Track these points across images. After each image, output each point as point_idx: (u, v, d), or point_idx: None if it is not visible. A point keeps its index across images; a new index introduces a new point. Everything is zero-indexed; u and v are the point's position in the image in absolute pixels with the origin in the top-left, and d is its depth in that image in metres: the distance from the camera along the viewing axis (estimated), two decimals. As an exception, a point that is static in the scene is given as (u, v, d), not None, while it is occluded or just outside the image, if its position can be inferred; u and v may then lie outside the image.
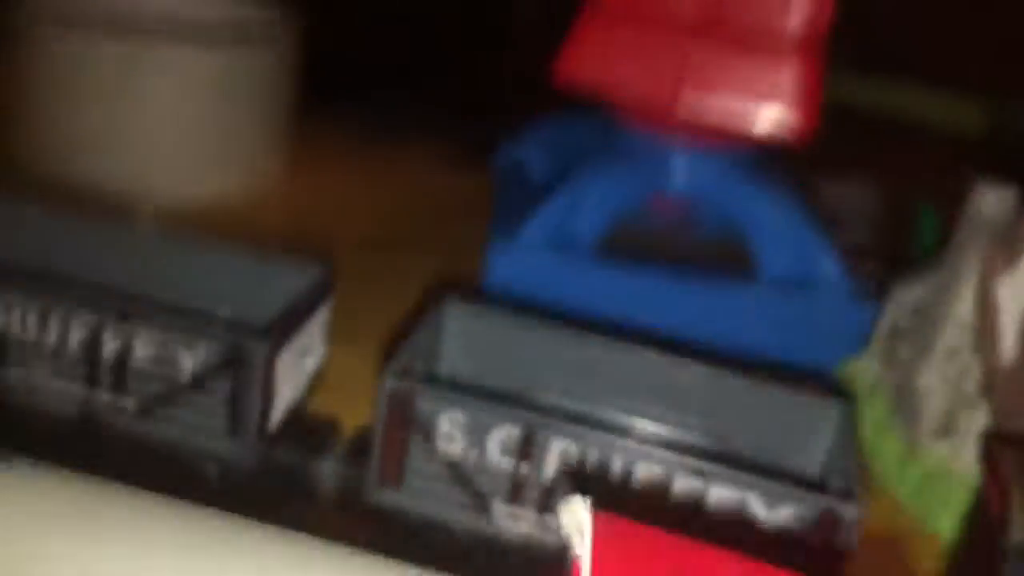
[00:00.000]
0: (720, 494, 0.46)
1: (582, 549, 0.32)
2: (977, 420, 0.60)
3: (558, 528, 0.33)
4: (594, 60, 0.76)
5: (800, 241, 0.77)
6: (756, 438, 0.55)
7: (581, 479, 0.47)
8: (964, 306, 0.60)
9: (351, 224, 0.90)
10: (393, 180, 1.00)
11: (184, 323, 0.52)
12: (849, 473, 0.47)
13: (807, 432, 0.54)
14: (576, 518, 0.33)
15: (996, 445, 0.48)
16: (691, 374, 0.56)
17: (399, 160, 1.04)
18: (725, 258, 0.80)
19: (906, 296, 0.67)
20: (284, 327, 0.53)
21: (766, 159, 0.81)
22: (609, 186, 0.79)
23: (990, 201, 0.60)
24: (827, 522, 0.44)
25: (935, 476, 0.60)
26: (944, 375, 0.61)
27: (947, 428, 0.61)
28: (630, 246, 0.80)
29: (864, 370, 0.69)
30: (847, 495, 0.45)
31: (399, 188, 0.99)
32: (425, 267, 0.83)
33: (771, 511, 0.45)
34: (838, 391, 0.55)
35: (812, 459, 0.53)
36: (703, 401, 0.56)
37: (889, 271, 0.76)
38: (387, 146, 1.05)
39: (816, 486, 0.46)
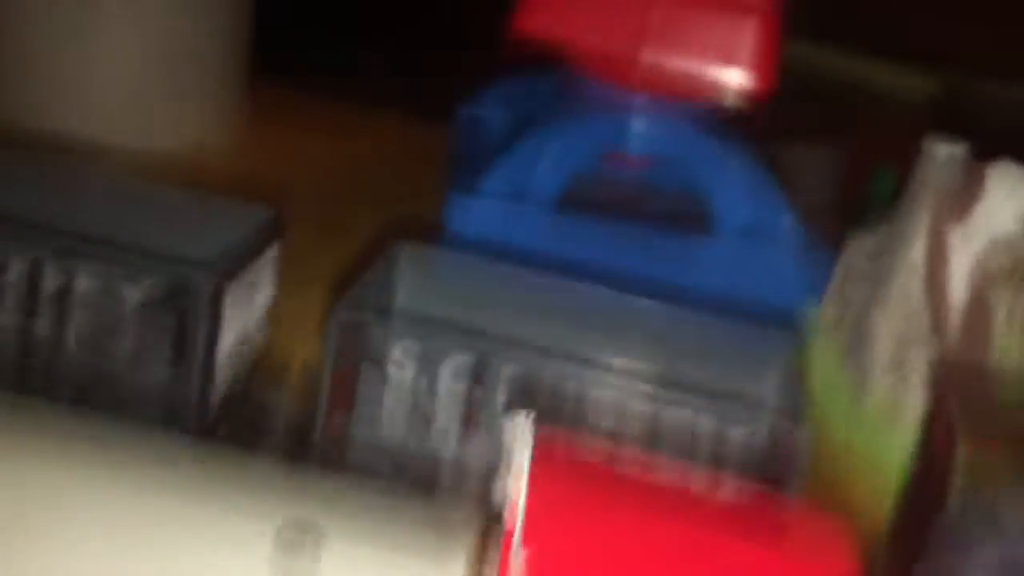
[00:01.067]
0: (672, 417, 0.46)
1: (523, 462, 0.32)
2: (926, 359, 0.61)
3: (502, 444, 0.33)
4: (551, 15, 0.76)
5: (756, 197, 0.77)
6: (707, 371, 0.55)
7: (530, 400, 0.47)
8: (916, 252, 0.61)
9: (308, 177, 0.89)
10: (351, 136, 0.99)
11: (127, 256, 0.51)
12: (797, 400, 0.47)
13: (756, 364, 0.54)
14: (519, 433, 0.32)
15: (944, 377, 0.48)
16: (644, 310, 0.56)
17: (357, 116, 1.03)
18: (683, 215, 0.81)
19: (861, 244, 0.68)
20: (230, 260, 0.53)
21: (725, 122, 0.81)
22: (568, 142, 0.79)
23: (942, 155, 0.60)
24: (776, 442, 0.45)
25: (884, 414, 0.60)
26: (895, 316, 0.61)
27: (897, 367, 0.61)
28: (588, 202, 0.80)
29: (819, 315, 0.69)
30: (794, 416, 0.45)
31: (357, 144, 0.98)
32: (381, 219, 0.83)
33: (722, 432, 0.46)
34: (787, 326, 0.55)
35: (761, 389, 0.54)
36: (656, 336, 0.56)
37: (845, 226, 0.76)
38: (346, 102, 1.04)
39: (770, 411, 0.46)
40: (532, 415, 0.33)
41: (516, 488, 0.31)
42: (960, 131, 1.19)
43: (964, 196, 0.60)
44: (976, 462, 0.44)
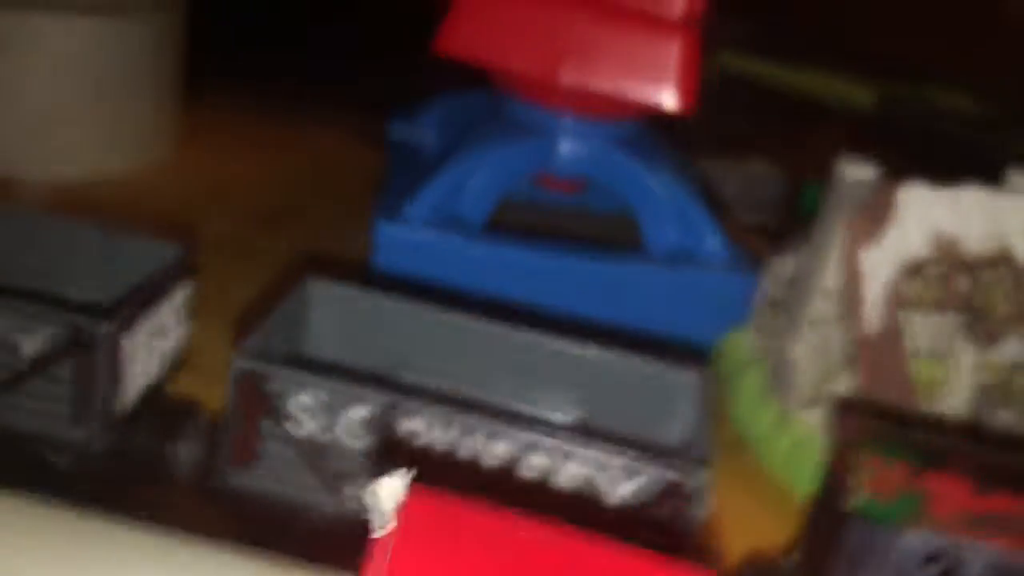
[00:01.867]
0: (573, 469, 0.46)
1: (390, 526, 0.31)
2: (843, 390, 0.61)
3: (371, 506, 0.32)
4: (474, 33, 0.75)
5: (685, 216, 0.77)
6: (621, 411, 0.54)
7: (433, 450, 0.46)
8: (830, 277, 0.61)
9: (240, 201, 0.88)
10: (286, 157, 0.98)
11: (20, 306, 0.50)
12: (701, 444, 0.47)
13: (670, 403, 0.54)
14: (388, 495, 0.32)
15: (842, 412, 0.48)
16: (558, 349, 0.55)
17: (293, 137, 1.02)
18: (614, 234, 0.80)
19: (781, 268, 0.67)
20: (129, 308, 0.52)
21: (655, 136, 0.81)
22: (496, 163, 0.78)
23: (852, 176, 0.60)
24: (672, 493, 0.44)
25: (804, 443, 0.60)
26: (812, 345, 0.61)
27: (816, 397, 0.61)
28: (519, 223, 0.80)
29: (742, 342, 0.69)
30: (693, 465, 0.45)
31: (291, 165, 0.97)
32: (312, 245, 0.82)
33: (621, 485, 0.45)
34: (700, 362, 0.55)
35: (674, 430, 0.53)
36: (569, 382, 0.55)
37: (774, 245, 0.76)
38: (281, 123, 1.03)
39: (668, 457, 0.46)
40: (406, 473, 0.33)
41: (380, 552, 0.31)
42: (898, 140, 1.20)
43: (875, 220, 0.60)
44: (873, 489, 0.44)
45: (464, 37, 0.76)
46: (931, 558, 0.43)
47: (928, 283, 0.60)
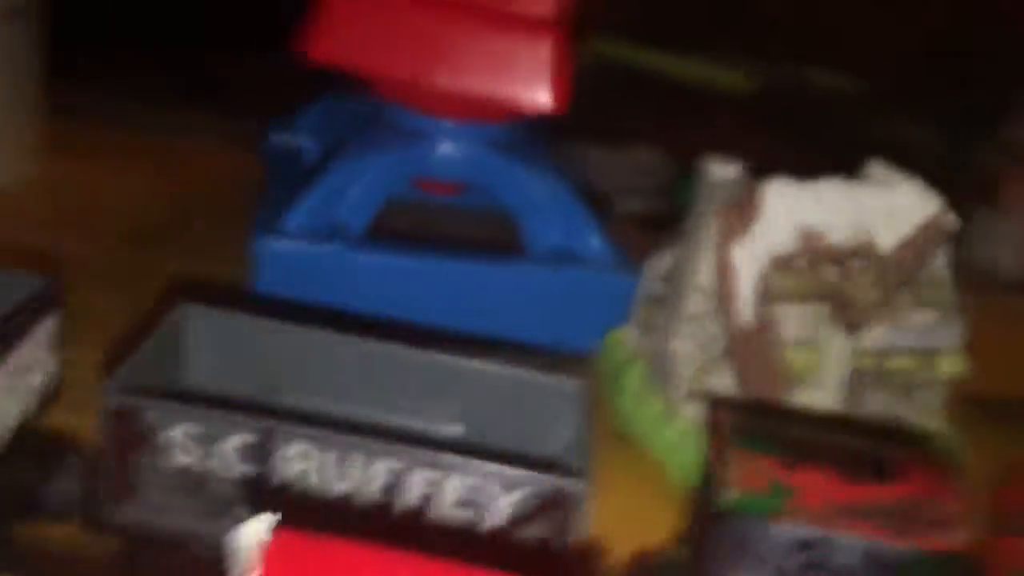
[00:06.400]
0: (455, 484, 0.46)
1: (252, 570, 0.31)
2: (723, 382, 0.63)
3: (234, 551, 0.32)
4: (342, 39, 0.74)
5: (567, 217, 0.78)
6: (505, 423, 0.55)
7: (284, 486, 0.46)
8: (704, 273, 0.63)
9: (111, 219, 0.85)
10: (158, 169, 0.95)
11: None
12: (583, 451, 0.48)
13: (553, 414, 0.54)
14: (250, 538, 0.31)
15: (715, 407, 0.50)
16: (439, 362, 0.56)
17: (165, 147, 0.99)
18: (497, 239, 0.81)
19: (659, 265, 0.69)
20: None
21: (535, 134, 0.82)
22: (375, 169, 0.78)
23: (719, 173, 0.62)
24: (553, 503, 0.45)
25: (687, 436, 0.62)
26: (691, 340, 0.63)
27: (696, 391, 0.63)
28: (401, 231, 0.79)
29: (624, 339, 0.71)
30: (574, 474, 0.45)
31: (165, 178, 0.94)
32: (189, 264, 0.80)
33: (502, 498, 0.46)
34: (581, 368, 0.56)
35: (558, 439, 0.54)
36: (453, 389, 0.56)
37: (659, 235, 0.78)
38: (153, 131, 1.00)
39: (548, 467, 0.47)
40: (270, 515, 0.32)
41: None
42: (782, 124, 1.23)
43: (743, 216, 0.61)
44: (744, 483, 0.45)
45: (332, 43, 0.75)
46: (801, 547, 0.44)
47: (796, 275, 0.62)
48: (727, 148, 0.67)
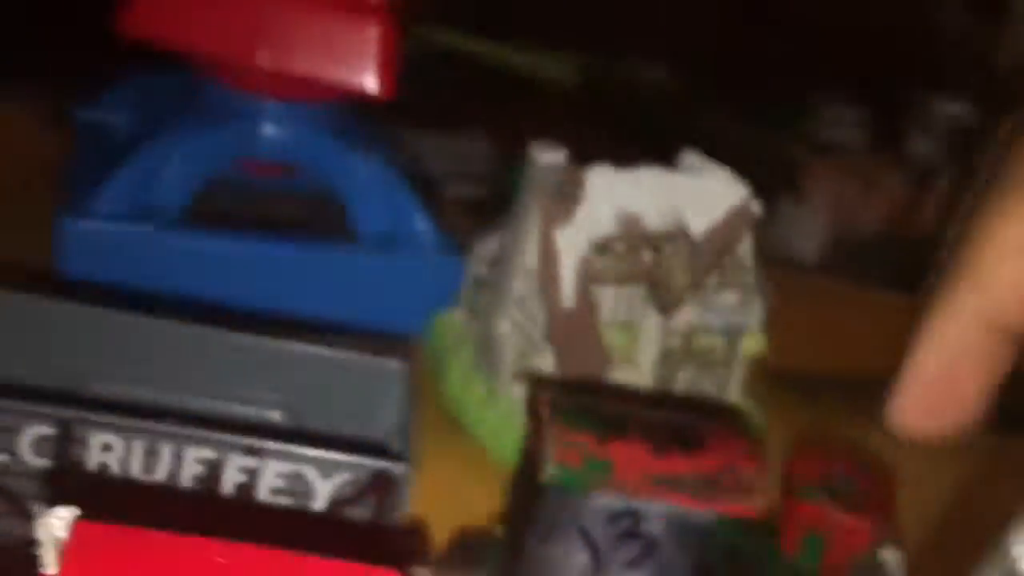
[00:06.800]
0: (275, 470, 0.45)
1: (57, 562, 0.29)
2: (546, 364, 0.64)
3: (40, 546, 0.30)
4: (161, 13, 0.71)
5: (391, 199, 0.77)
6: (329, 406, 0.54)
7: (91, 475, 0.44)
8: (529, 256, 0.64)
9: None
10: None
11: None
12: (404, 433, 0.48)
13: (376, 394, 0.54)
14: (51, 533, 0.30)
15: (536, 387, 0.51)
16: (257, 346, 0.54)
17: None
18: (323, 222, 0.79)
19: (485, 248, 0.70)
20: None
21: (362, 116, 0.81)
22: (192, 149, 0.75)
23: (543, 160, 0.63)
24: (375, 486, 0.45)
25: (511, 417, 0.63)
26: (515, 323, 0.64)
27: (520, 373, 0.64)
28: (221, 214, 0.77)
29: (451, 322, 0.71)
30: (395, 455, 0.45)
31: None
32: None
33: (324, 481, 0.45)
34: (404, 349, 0.56)
35: (382, 421, 0.54)
36: (273, 374, 0.54)
37: (486, 220, 0.78)
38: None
39: (369, 450, 0.47)
40: (75, 505, 0.31)
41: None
42: (603, 114, 1.26)
43: (566, 200, 0.63)
44: (561, 459, 0.46)
45: (149, 17, 0.71)
46: (615, 518, 0.46)
47: (616, 258, 0.64)
48: (551, 136, 0.68)
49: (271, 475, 0.45)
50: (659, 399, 0.63)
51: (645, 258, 0.64)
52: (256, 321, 0.55)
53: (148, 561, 0.30)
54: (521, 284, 0.64)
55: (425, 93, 0.85)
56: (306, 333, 0.55)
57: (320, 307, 0.72)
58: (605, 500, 0.46)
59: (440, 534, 0.55)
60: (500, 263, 0.67)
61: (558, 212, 0.63)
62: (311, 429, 0.52)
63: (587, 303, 0.64)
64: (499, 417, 0.64)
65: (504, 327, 0.64)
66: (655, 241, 0.64)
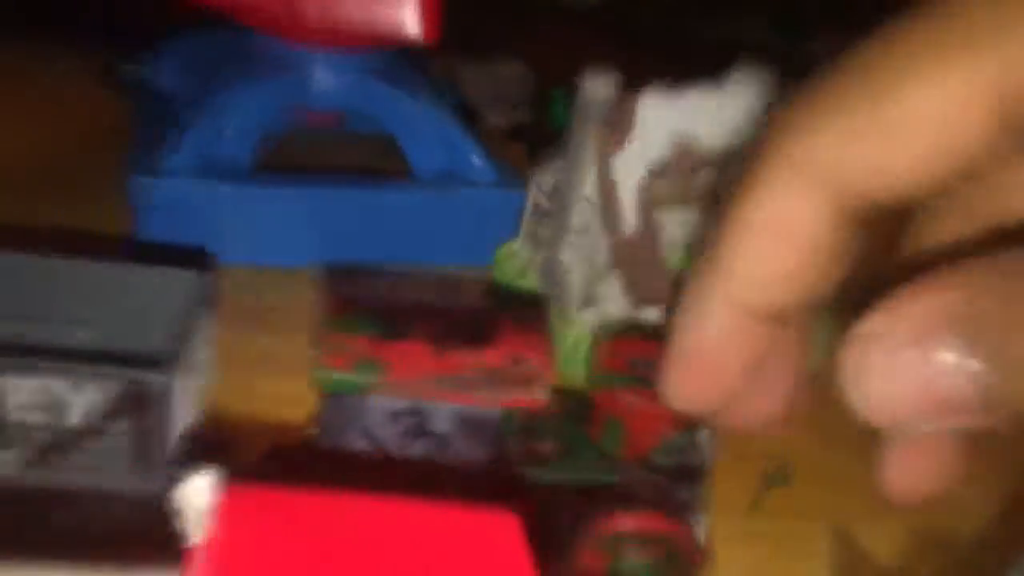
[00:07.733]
0: (23, 385, 0.44)
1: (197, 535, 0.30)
2: (611, 290, 0.66)
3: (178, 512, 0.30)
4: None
5: (446, 137, 0.79)
6: (125, 322, 0.54)
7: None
8: (588, 185, 0.65)
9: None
10: (24, 109, 0.90)
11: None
12: (176, 346, 0.47)
13: (164, 308, 0.54)
14: (194, 499, 0.30)
15: (320, 294, 0.52)
16: (52, 267, 0.54)
17: (37, 97, 0.94)
18: (382, 166, 0.81)
19: (543, 179, 0.71)
20: None
21: (407, 57, 0.82)
22: (249, 103, 0.77)
23: (595, 87, 0.64)
24: (131, 398, 0.44)
25: (581, 340, 0.66)
26: (579, 251, 0.66)
27: (587, 300, 0.67)
28: (285, 163, 0.79)
29: (514, 252, 0.73)
30: (152, 368, 0.45)
31: (33, 118, 0.89)
32: (62, 210, 0.77)
33: (74, 396, 0.44)
34: (198, 262, 0.57)
35: (159, 334, 0.52)
36: (75, 293, 0.54)
37: (536, 153, 0.80)
38: (14, 71, 0.94)
39: (130, 362, 0.46)
40: (210, 475, 0.31)
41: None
42: (624, 37, 1.25)
43: (619, 127, 0.64)
44: (329, 363, 0.49)
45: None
46: (395, 417, 0.48)
47: (674, 181, 0.65)
48: (578, 60, 0.68)
49: (18, 390, 0.44)
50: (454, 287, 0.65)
51: (703, 178, 0.66)
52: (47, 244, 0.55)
53: (300, 523, 0.31)
54: (581, 213, 0.66)
55: (454, 21, 0.85)
56: (98, 249, 0.55)
57: (389, 248, 0.75)
58: (383, 400, 0.48)
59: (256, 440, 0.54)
60: (559, 193, 0.69)
61: (612, 140, 0.64)
62: (75, 344, 0.51)
63: (649, 227, 0.66)
64: (569, 343, 0.67)
65: (568, 257, 0.66)
66: (712, 161, 0.66)
